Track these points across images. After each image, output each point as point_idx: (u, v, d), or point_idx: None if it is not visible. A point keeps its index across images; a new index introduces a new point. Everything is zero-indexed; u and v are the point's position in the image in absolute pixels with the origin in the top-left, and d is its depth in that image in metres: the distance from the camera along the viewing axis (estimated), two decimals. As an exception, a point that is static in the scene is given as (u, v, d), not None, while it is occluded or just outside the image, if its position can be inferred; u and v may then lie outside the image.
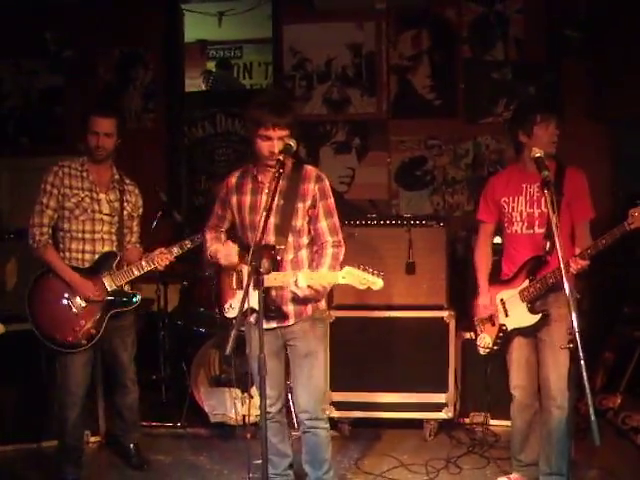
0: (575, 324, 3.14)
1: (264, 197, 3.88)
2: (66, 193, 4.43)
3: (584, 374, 3.05)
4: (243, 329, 3.89)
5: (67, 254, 4.47)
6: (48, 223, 4.42)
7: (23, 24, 7.00)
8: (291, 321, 3.96)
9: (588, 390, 3.03)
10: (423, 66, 6.85)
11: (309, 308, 3.98)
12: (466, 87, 6.79)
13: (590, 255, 3.89)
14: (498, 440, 5.23)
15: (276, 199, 3.85)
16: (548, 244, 4.12)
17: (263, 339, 3.41)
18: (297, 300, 3.92)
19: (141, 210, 4.78)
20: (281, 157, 3.66)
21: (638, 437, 5.05)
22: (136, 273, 4.51)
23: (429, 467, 4.84)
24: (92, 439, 5.28)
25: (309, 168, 4.05)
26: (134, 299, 4.59)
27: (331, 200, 4.02)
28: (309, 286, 3.72)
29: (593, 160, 6.08)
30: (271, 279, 3.78)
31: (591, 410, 3.00)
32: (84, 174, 4.50)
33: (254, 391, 4.86)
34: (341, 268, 3.75)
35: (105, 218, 4.52)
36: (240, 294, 3.43)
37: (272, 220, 3.87)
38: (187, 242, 4.59)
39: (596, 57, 6.43)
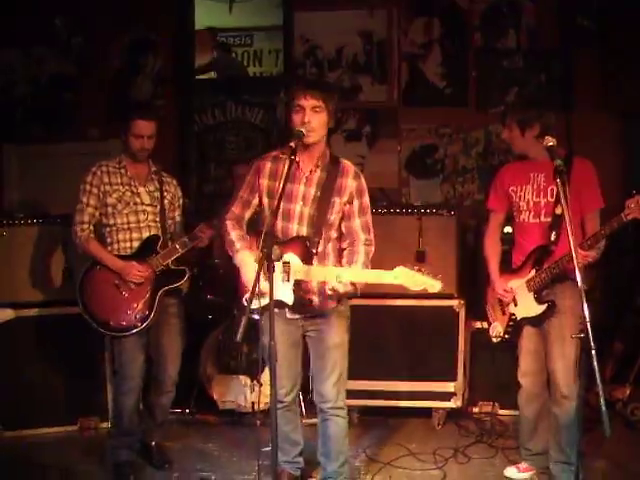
0: (586, 313, 3.13)
1: (301, 187, 3.88)
2: (106, 190, 4.57)
3: (595, 364, 3.05)
4: (254, 315, 3.85)
5: (115, 246, 4.59)
6: (89, 220, 4.56)
7: (32, 11, 6.98)
8: (316, 312, 3.93)
9: (599, 381, 3.02)
10: (434, 54, 6.81)
11: (334, 299, 3.94)
12: (477, 75, 6.75)
13: (590, 246, 3.89)
14: (507, 429, 5.24)
15: (314, 190, 3.87)
16: (553, 234, 4.13)
17: (274, 326, 3.38)
18: (323, 292, 3.88)
19: (181, 201, 4.86)
20: (292, 144, 3.62)
21: (647, 428, 5.05)
22: (180, 250, 4.58)
23: (437, 456, 4.85)
24: (102, 425, 5.31)
25: (347, 163, 4.02)
26: (183, 274, 4.66)
27: (366, 198, 4.02)
28: (352, 283, 3.73)
29: (604, 150, 6.05)
30: (307, 273, 3.77)
31: (602, 401, 3.00)
32: (122, 170, 4.62)
33: (264, 378, 4.86)
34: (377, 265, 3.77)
35: (148, 208, 4.63)
36: (266, 284, 3.39)
37: (308, 211, 3.86)
38: None
39: (608, 47, 6.38)
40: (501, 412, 5.44)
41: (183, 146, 7.24)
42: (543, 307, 4.16)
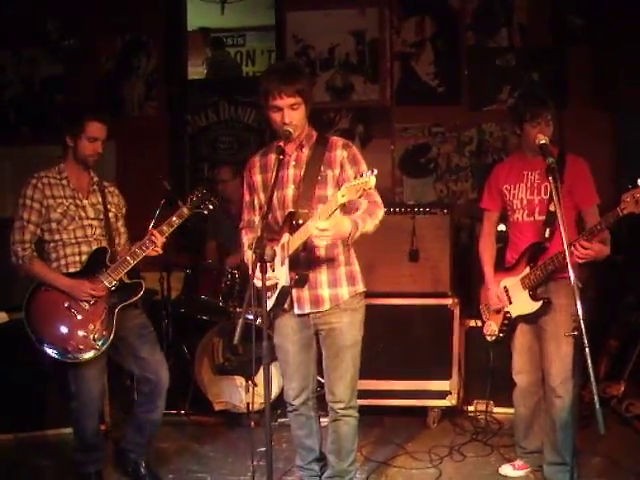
0: (580, 311, 3.13)
1: (291, 170, 3.75)
2: (50, 204, 4.20)
3: (589, 362, 3.05)
4: (250, 317, 3.84)
5: (62, 261, 4.24)
6: (30, 239, 4.18)
7: (24, 13, 6.98)
8: (326, 306, 3.77)
9: (593, 378, 3.03)
10: (426, 53, 6.83)
11: (345, 293, 3.79)
12: (470, 74, 6.77)
13: (587, 239, 3.86)
14: (501, 428, 5.23)
15: (303, 170, 3.74)
16: (547, 231, 4.11)
17: (267, 325, 3.36)
18: (332, 284, 3.76)
19: (124, 210, 4.53)
20: (281, 144, 3.58)
21: (641, 425, 5.06)
22: (132, 262, 4.23)
23: (433, 455, 4.84)
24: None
25: (334, 138, 3.84)
26: (139, 288, 4.32)
27: (363, 166, 3.73)
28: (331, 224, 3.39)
29: (596, 146, 6.08)
30: (295, 241, 3.59)
31: (596, 399, 3.00)
32: (64, 182, 4.26)
33: (258, 379, 4.84)
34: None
35: (94, 222, 4.30)
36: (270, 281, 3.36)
37: (297, 192, 3.73)
38: (174, 219, 4.30)
39: (600, 43, 6.41)
40: (496, 410, 5.45)
41: (176, 147, 7.24)
42: (538, 304, 4.14)
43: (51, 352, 4.13)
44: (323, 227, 3.37)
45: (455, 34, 6.80)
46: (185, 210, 4.32)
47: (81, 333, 4.15)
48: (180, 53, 7.43)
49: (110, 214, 4.38)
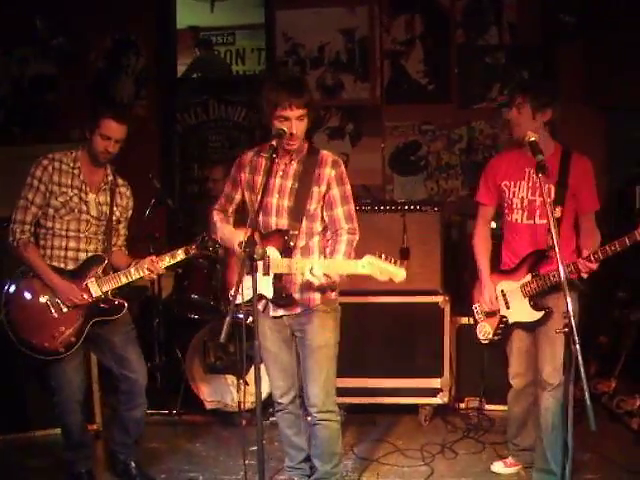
0: (570, 308, 3.12)
1: (277, 180, 3.81)
2: (54, 190, 4.14)
3: (579, 359, 3.05)
4: (241, 315, 3.84)
5: (48, 252, 4.18)
6: (31, 221, 4.14)
7: (13, 11, 6.94)
8: (298, 310, 3.85)
9: (584, 375, 3.02)
10: (416, 51, 6.83)
11: (317, 298, 3.83)
12: (460, 72, 6.78)
13: (597, 259, 3.82)
14: (493, 425, 5.24)
15: (290, 182, 3.81)
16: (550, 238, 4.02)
17: (258, 326, 3.39)
18: (305, 288, 3.81)
19: (131, 212, 4.49)
20: (274, 142, 3.61)
21: (632, 421, 5.06)
22: (124, 280, 4.22)
23: (425, 452, 4.85)
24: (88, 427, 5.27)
25: (325, 153, 3.91)
26: (120, 308, 4.27)
27: (348, 187, 3.90)
28: (325, 274, 3.59)
29: (587, 144, 6.04)
30: (284, 266, 3.69)
31: (587, 395, 2.99)
32: (75, 171, 4.20)
33: (249, 378, 4.84)
34: (359, 257, 3.60)
35: (92, 220, 4.25)
36: (249, 280, 3.36)
37: (286, 203, 3.80)
38: (180, 253, 4.27)
39: (590, 41, 6.41)
40: (488, 407, 5.45)
41: (166, 146, 7.23)
42: (540, 314, 4.06)
43: (16, 341, 4.14)
44: (318, 274, 3.58)
45: (445, 32, 6.80)
46: (193, 248, 4.29)
47: (50, 332, 4.14)
48: (170, 52, 7.42)
49: (113, 217, 4.34)
